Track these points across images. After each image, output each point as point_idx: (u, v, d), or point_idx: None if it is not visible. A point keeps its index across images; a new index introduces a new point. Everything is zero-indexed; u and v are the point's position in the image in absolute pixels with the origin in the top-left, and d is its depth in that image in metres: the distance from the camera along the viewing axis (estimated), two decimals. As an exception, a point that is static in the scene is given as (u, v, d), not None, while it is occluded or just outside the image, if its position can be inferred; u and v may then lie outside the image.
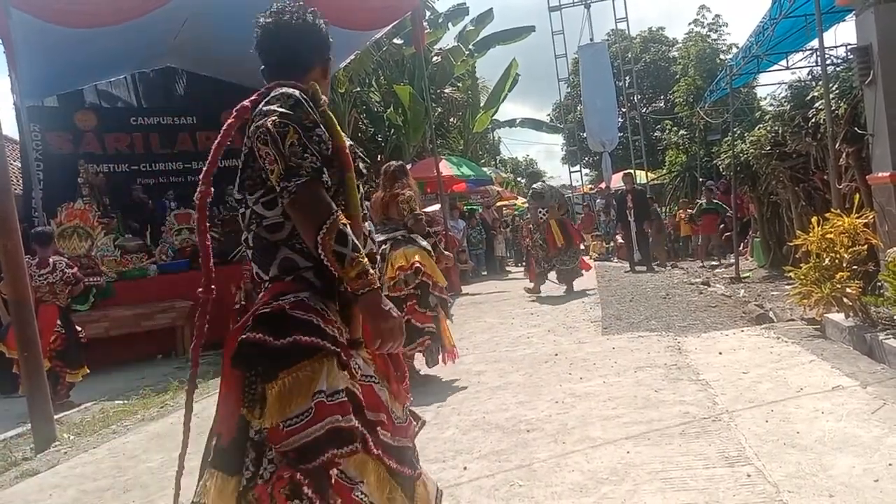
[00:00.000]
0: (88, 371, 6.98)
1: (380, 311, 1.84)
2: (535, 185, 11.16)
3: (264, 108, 1.85)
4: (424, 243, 5.36)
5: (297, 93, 1.89)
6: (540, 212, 10.49)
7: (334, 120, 1.94)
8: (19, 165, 12.81)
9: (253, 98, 1.94)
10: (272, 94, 1.89)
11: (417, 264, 5.19)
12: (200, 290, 1.93)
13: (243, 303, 8.74)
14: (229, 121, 1.93)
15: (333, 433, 1.75)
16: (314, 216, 1.79)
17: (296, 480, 1.72)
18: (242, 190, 1.92)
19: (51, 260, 6.84)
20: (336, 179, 1.90)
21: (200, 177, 1.89)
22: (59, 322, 6.74)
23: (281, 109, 1.83)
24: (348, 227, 1.81)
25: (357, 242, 1.81)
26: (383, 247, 5.23)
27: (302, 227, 1.83)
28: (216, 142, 1.89)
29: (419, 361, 5.49)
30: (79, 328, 7.08)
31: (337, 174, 1.90)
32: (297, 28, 2.05)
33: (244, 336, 1.81)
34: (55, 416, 5.54)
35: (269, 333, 1.80)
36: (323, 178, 1.83)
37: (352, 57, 13.85)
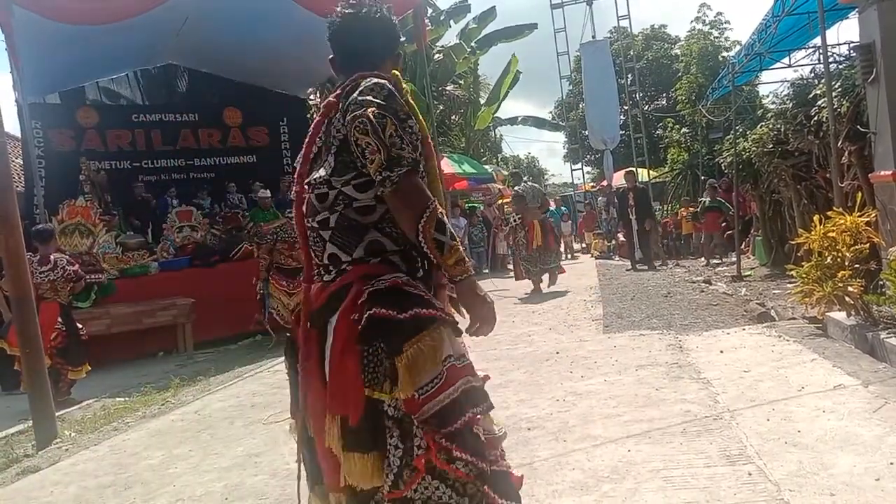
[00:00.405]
0: (90, 368, 7.00)
1: (477, 296, 1.92)
2: (517, 188, 11.35)
3: (360, 99, 1.88)
4: None
5: (388, 84, 1.94)
6: (512, 217, 10.68)
7: (416, 110, 1.99)
8: (21, 162, 12.81)
9: (337, 92, 1.98)
10: (364, 85, 1.92)
11: None
12: (303, 279, 2.07)
13: (261, 293, 8.74)
14: (317, 118, 2.00)
15: (468, 393, 1.84)
16: (415, 205, 1.85)
17: (444, 446, 1.79)
18: (332, 173, 1.93)
19: (52, 257, 6.85)
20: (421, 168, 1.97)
21: (295, 176, 1.99)
22: (60, 319, 6.75)
23: (377, 100, 1.87)
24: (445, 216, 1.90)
25: (453, 231, 1.90)
26: None
27: (402, 215, 1.88)
28: (307, 140, 1.99)
29: None
30: (80, 325, 7.09)
31: (421, 163, 1.97)
32: (375, 21, 2.10)
33: (371, 312, 1.82)
34: (56, 413, 5.55)
35: (391, 308, 1.83)
36: (419, 169, 1.91)
37: (354, 54, 13.84)
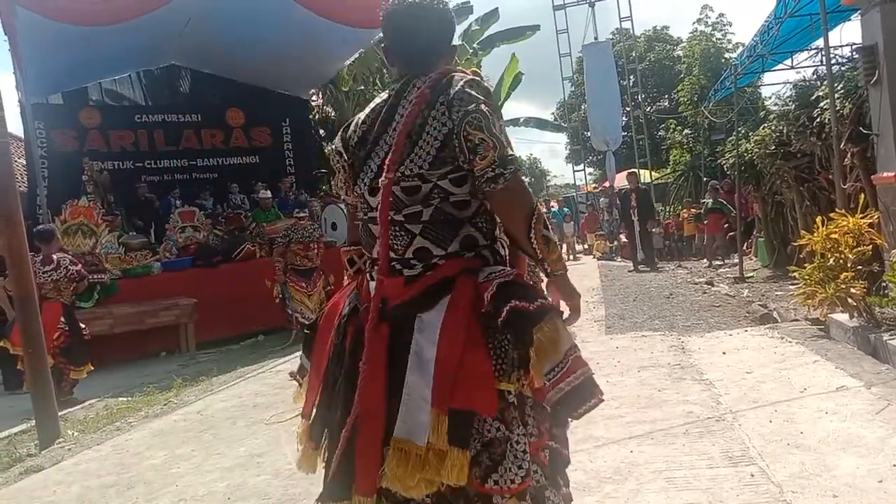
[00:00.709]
0: (93, 368, 7.01)
1: (573, 289, 1.99)
2: None
3: (466, 93, 1.86)
4: None
5: (483, 80, 1.94)
6: None
7: None
8: (24, 163, 12.84)
9: (430, 85, 1.91)
10: (461, 79, 1.90)
11: None
12: (378, 273, 1.94)
13: (280, 296, 8.71)
14: (411, 109, 1.90)
15: (588, 382, 1.84)
16: (527, 203, 1.89)
17: (554, 433, 1.91)
18: (431, 167, 1.88)
19: (55, 257, 6.86)
20: None
21: (386, 165, 1.89)
22: (62, 319, 6.76)
23: (481, 97, 1.87)
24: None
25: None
26: None
27: (513, 212, 1.90)
28: (400, 130, 1.90)
29: None
30: (83, 325, 7.10)
31: None
32: (438, 14, 2.06)
33: (514, 304, 1.80)
34: (59, 413, 5.56)
35: (523, 299, 1.82)
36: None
37: (356, 55, 13.86)
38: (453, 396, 1.77)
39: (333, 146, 2.13)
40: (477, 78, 1.93)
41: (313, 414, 2.07)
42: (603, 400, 1.87)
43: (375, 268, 1.97)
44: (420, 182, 1.89)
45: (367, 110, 2.04)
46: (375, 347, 1.87)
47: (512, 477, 1.76)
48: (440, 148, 1.86)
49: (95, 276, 8.81)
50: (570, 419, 1.94)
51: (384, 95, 2.03)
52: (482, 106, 1.84)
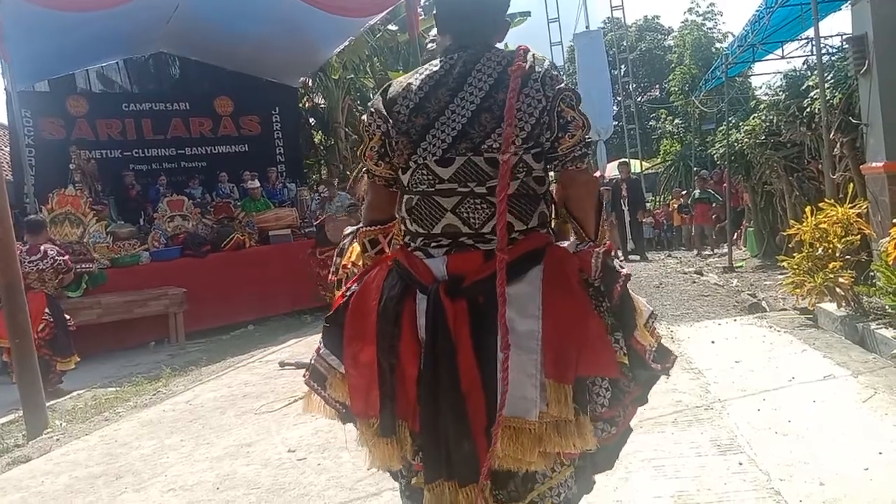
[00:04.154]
0: (79, 359, 6.95)
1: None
2: None
3: (553, 73, 1.87)
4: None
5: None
6: None
7: None
8: (10, 151, 12.71)
9: (522, 59, 1.86)
10: (546, 60, 1.90)
11: (351, 267, 4.81)
12: (500, 251, 1.79)
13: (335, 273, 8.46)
14: (513, 80, 1.82)
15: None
16: (596, 184, 2.03)
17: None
18: (523, 142, 1.82)
19: (42, 247, 6.78)
20: None
21: (502, 143, 1.80)
22: (47, 310, 6.68)
23: (564, 79, 1.90)
24: None
25: None
26: (345, 240, 5.12)
27: (588, 193, 1.97)
28: (509, 104, 1.79)
29: None
30: (67, 316, 7.02)
31: None
32: None
33: (625, 273, 1.94)
34: (47, 403, 5.53)
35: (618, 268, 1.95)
36: None
37: (346, 43, 13.77)
38: (579, 364, 1.76)
39: (372, 108, 1.99)
40: (547, 57, 1.95)
41: (378, 408, 1.87)
42: (678, 356, 2.03)
43: (432, 244, 1.89)
44: (511, 155, 1.83)
45: (421, 77, 1.93)
46: (461, 327, 1.79)
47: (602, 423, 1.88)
48: (534, 124, 1.83)
49: (83, 266, 8.74)
50: (661, 373, 1.98)
51: (440, 63, 1.93)
52: (569, 85, 1.88)
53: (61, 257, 6.91)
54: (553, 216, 2.02)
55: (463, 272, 1.83)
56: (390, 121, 1.91)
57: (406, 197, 1.95)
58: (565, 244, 1.96)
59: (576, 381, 1.75)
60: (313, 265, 8.80)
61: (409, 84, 1.92)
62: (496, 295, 1.74)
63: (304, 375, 2.08)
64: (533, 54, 1.89)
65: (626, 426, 1.98)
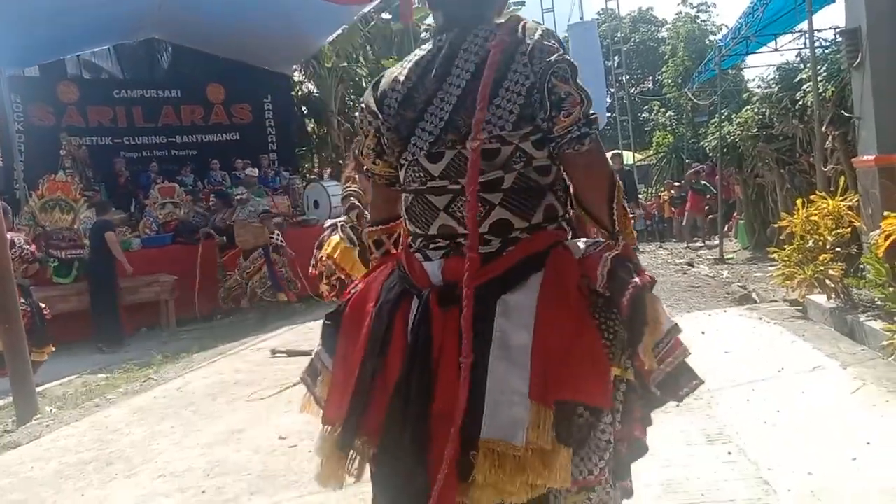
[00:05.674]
0: (54, 349, 6.74)
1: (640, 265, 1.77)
2: None
3: (546, 44, 1.63)
4: (350, 233, 4.84)
5: (554, 31, 1.71)
6: None
7: None
8: (-1, 136, 12.59)
9: (507, 32, 1.67)
10: (541, 28, 1.68)
11: (327, 260, 4.79)
12: (469, 250, 1.62)
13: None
14: (492, 57, 1.65)
15: (687, 364, 1.67)
16: (609, 168, 1.71)
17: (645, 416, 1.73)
18: (513, 127, 1.65)
19: (10, 235, 6.58)
20: None
21: (473, 125, 1.63)
22: (22, 300, 6.49)
23: (560, 48, 1.64)
24: None
25: None
26: (325, 233, 5.09)
27: (595, 178, 1.69)
28: (483, 82, 1.63)
29: None
30: (42, 305, 6.82)
31: None
32: None
33: (635, 282, 1.60)
34: (37, 390, 5.51)
35: (632, 275, 1.63)
36: None
37: (339, 31, 13.71)
38: (561, 386, 1.53)
39: (363, 105, 1.85)
40: (550, 28, 1.71)
41: (344, 418, 1.71)
42: (703, 381, 1.68)
43: (431, 246, 1.73)
44: (500, 144, 1.65)
45: (408, 65, 1.77)
46: (449, 339, 1.61)
47: (590, 468, 1.58)
48: (523, 105, 1.63)
49: (74, 252, 8.70)
50: (671, 401, 1.71)
51: (427, 48, 1.77)
52: (565, 55, 1.63)
53: (28, 246, 6.70)
54: (569, 207, 1.80)
55: (458, 278, 1.63)
56: (380, 116, 1.77)
57: (403, 196, 1.82)
58: (580, 243, 1.73)
59: (556, 405, 1.52)
60: (230, 266, 8.82)
61: (397, 74, 1.79)
62: (493, 302, 1.60)
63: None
64: (524, 24, 1.69)
65: (635, 438, 1.75)
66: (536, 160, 1.68)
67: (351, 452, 1.71)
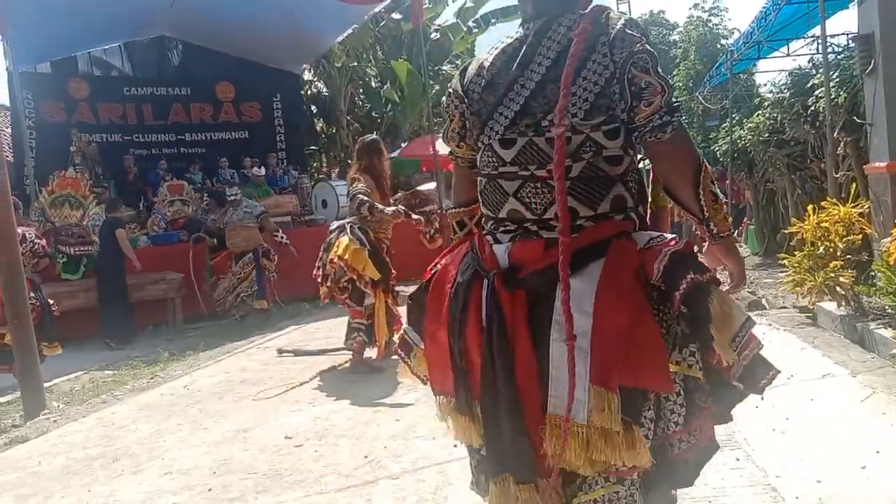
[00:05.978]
0: (61, 350, 6.70)
1: (738, 253, 1.81)
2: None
3: (627, 33, 1.66)
4: (359, 234, 4.95)
5: (638, 21, 1.76)
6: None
7: None
8: (11, 132, 12.67)
9: (590, 21, 1.70)
10: (624, 17, 1.70)
11: (338, 261, 4.84)
12: (561, 234, 1.66)
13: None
14: (575, 46, 1.67)
15: (762, 356, 1.73)
16: (694, 154, 1.71)
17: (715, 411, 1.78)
18: (585, 116, 1.67)
19: (20, 230, 6.61)
20: None
21: (556, 111, 1.66)
22: (32, 294, 6.50)
23: (643, 38, 1.67)
24: None
25: None
26: (331, 235, 5.08)
27: (679, 166, 1.71)
28: (567, 71, 1.66)
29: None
30: (51, 301, 6.84)
31: None
32: None
33: (692, 277, 1.63)
34: (45, 385, 5.52)
35: (696, 272, 1.65)
36: None
37: (349, 31, 13.72)
38: (622, 372, 1.60)
39: (450, 89, 1.91)
40: (634, 18, 1.76)
41: (453, 389, 1.82)
42: (780, 371, 1.74)
43: (500, 229, 1.80)
44: (570, 133, 1.68)
45: (495, 52, 1.83)
46: (518, 318, 1.68)
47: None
48: (598, 94, 1.67)
49: (83, 248, 8.73)
50: (750, 392, 1.78)
51: (514, 36, 1.82)
52: (647, 45, 1.65)
53: (39, 241, 6.73)
54: (646, 199, 1.86)
55: (522, 261, 1.73)
56: (466, 100, 1.85)
57: (478, 179, 1.88)
58: (644, 235, 1.75)
59: (622, 390, 1.59)
60: (220, 268, 8.81)
61: (484, 60, 1.85)
62: (554, 286, 1.65)
63: (396, 342, 2.07)
64: (607, 13, 1.72)
65: (707, 441, 1.83)
66: (607, 150, 1.71)
67: (469, 414, 1.81)
